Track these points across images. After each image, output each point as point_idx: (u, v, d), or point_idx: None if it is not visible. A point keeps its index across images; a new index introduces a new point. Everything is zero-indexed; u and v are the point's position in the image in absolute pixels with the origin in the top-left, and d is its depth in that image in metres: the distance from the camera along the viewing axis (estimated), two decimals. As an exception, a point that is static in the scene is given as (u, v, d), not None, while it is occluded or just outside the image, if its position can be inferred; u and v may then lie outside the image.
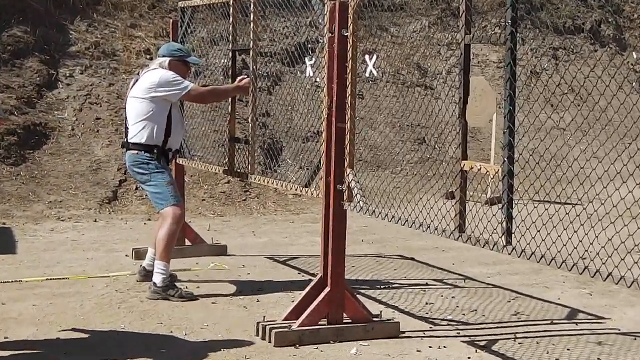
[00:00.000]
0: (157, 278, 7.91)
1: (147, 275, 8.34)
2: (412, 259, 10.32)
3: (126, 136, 8.20)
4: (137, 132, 8.06)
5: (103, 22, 16.55)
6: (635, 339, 7.25)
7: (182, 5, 9.91)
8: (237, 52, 9.08)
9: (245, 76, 8.49)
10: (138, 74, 8.51)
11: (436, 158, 14.36)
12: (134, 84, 8.27)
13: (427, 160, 14.90)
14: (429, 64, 18.61)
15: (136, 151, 8.07)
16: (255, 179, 8.58)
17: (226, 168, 9.04)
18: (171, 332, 7.00)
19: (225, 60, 9.54)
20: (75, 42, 15.92)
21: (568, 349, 6.86)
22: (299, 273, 9.30)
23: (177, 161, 9.96)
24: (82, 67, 15.51)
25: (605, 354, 6.78)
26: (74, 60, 15.61)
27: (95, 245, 10.60)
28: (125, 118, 8.31)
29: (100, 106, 14.99)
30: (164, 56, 8.26)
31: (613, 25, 20.95)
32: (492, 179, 12.63)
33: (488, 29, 18.70)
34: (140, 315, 7.46)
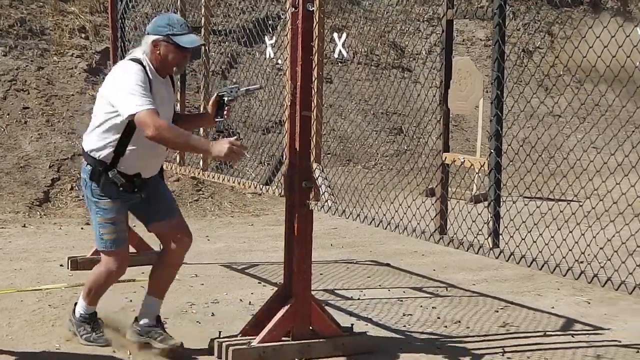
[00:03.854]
0: (77, 310, 7.20)
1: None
2: (388, 264, 10.45)
3: None
4: None
5: (30, -6, 16.49)
6: (637, 351, 7.41)
7: (121, -22, 9.95)
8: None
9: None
10: None
11: (414, 150, 14.44)
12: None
13: (404, 153, 15.04)
14: (406, 43, 18.72)
15: None
16: (208, 176, 8.62)
17: (177, 164, 9.09)
18: (113, 352, 7.02)
19: (173, 40, 9.57)
20: (-4, 19, 15.88)
21: (563, 364, 7.02)
22: (259, 283, 9.38)
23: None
24: (6, 48, 15.46)
25: (605, 370, 6.94)
26: (-4, 41, 15.58)
27: (24, 255, 10.61)
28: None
29: (28, 93, 14.94)
30: (147, 33, 6.68)
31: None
32: (477, 173, 12.76)
33: (474, 1, 18.83)
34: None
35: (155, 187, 6.93)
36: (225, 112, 6.74)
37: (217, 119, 6.70)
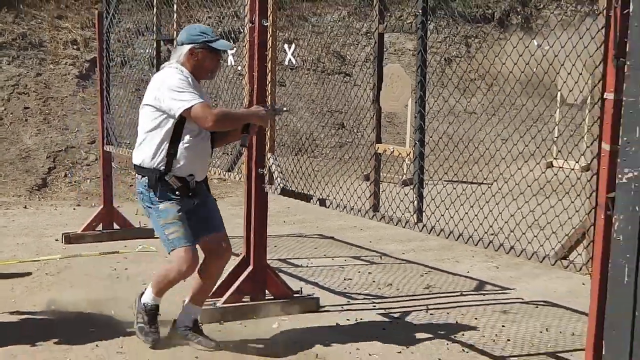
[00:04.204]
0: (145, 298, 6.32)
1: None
2: (332, 237, 10.45)
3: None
4: None
5: (30, 13, 16.36)
6: (536, 307, 7.50)
7: (106, -3, 9.90)
8: (161, 42, 9.08)
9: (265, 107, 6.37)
10: None
11: (353, 142, 14.47)
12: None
13: (345, 145, 15.04)
14: (347, 52, 18.72)
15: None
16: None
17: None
18: (101, 311, 6.99)
19: (151, 50, 9.53)
20: (2, 34, 15.72)
21: (476, 318, 7.08)
22: (224, 254, 9.33)
23: (106, 149, 9.94)
24: (10, 58, 15.33)
25: (509, 322, 7.01)
26: (1, 52, 15.44)
27: (25, 231, 10.53)
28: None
29: (29, 96, 14.85)
30: (181, 44, 5.96)
31: (521, 14, 21.35)
32: (404, 160, 12.80)
33: (404, 18, 18.85)
34: (75, 298, 7.38)
35: (204, 200, 6.15)
36: (250, 129, 6.10)
37: (243, 134, 6.08)
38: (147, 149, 5.84)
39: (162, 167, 5.81)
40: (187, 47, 5.86)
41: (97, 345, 6.16)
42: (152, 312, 6.18)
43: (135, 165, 5.98)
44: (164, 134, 5.78)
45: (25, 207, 12.29)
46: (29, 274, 8.26)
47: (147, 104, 5.84)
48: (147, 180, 5.87)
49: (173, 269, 5.96)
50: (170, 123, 5.75)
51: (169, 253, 5.97)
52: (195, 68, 5.89)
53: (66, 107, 14.96)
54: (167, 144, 5.78)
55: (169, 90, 5.68)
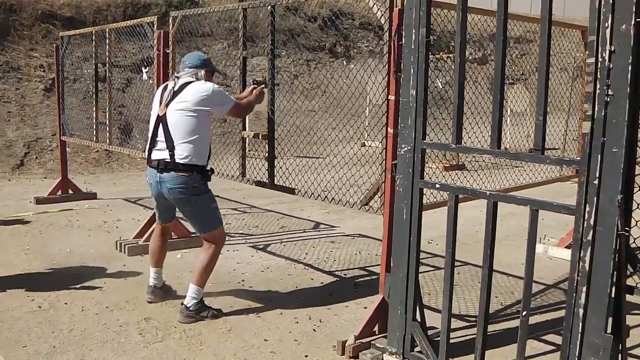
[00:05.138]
0: (190, 302, 4.83)
1: (158, 294, 5.27)
2: (217, 196, 10.07)
3: (172, 156, 4.68)
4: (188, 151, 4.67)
5: (11, 47, 15.72)
6: (353, 238, 7.49)
7: (62, 35, 9.50)
8: (99, 64, 8.75)
9: (256, 85, 5.45)
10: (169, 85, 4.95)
11: (231, 131, 14.28)
12: (172, 94, 4.81)
13: (228, 133, 14.80)
14: (228, 71, 18.47)
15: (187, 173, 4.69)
16: (114, 148, 8.27)
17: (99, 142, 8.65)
18: (60, 249, 6.73)
19: (92, 71, 9.19)
20: (-8, 62, 15.00)
21: (313, 247, 7.03)
22: (144, 208, 9.06)
23: (62, 138, 9.56)
24: (-3, 78, 14.68)
25: (335, 248, 7.00)
26: (-9, 74, 14.76)
27: (9, 196, 10.04)
28: (167, 133, 4.73)
29: (10, 103, 14.28)
30: (197, 67, 4.90)
31: (343, 46, 21.37)
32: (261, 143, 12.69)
33: (266, 46, 18.64)
34: (43, 241, 7.10)
35: None
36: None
37: None
38: (197, 148, 4.67)
39: (205, 163, 4.76)
40: (203, 70, 4.90)
41: (53, 270, 5.87)
42: (204, 302, 4.90)
43: (183, 163, 4.66)
44: (209, 133, 4.79)
45: (9, 180, 11.74)
46: (10, 223, 7.93)
47: (199, 109, 4.67)
48: (200, 175, 4.73)
49: (217, 250, 4.89)
50: (210, 123, 4.78)
51: (209, 232, 4.87)
52: None
53: (36, 110, 14.39)
54: (208, 142, 4.81)
55: (219, 95, 4.76)
